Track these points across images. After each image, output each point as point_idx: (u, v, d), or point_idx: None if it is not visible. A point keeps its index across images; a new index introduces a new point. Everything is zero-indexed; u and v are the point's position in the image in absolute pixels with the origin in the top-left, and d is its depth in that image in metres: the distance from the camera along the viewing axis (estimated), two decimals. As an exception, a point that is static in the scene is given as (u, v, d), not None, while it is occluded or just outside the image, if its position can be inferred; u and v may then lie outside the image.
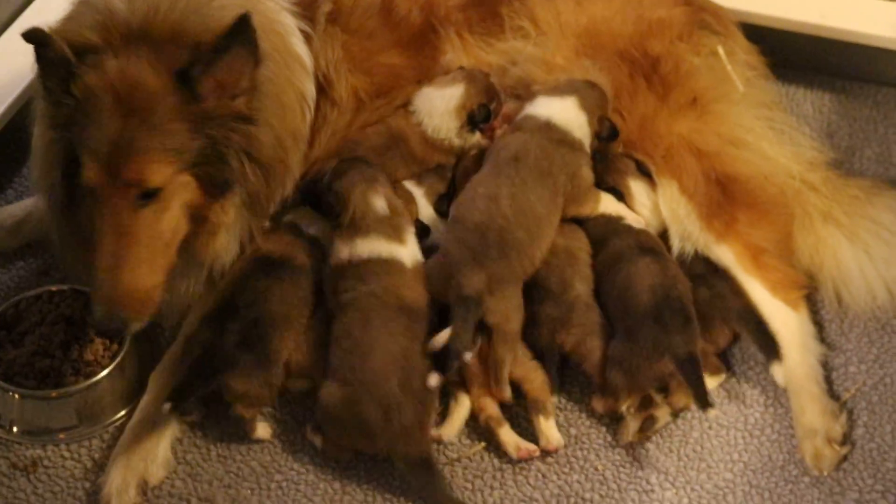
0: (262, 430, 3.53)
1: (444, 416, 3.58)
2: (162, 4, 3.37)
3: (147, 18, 3.35)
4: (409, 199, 3.83)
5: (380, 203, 3.63)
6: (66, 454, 3.54)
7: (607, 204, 3.85)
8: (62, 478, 3.49)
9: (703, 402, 3.44)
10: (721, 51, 4.06)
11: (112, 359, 3.61)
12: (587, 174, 3.80)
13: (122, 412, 3.61)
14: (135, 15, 3.35)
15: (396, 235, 3.61)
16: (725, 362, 3.72)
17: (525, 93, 4.01)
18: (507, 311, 3.52)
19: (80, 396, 3.56)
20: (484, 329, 3.51)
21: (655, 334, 3.49)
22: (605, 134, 3.87)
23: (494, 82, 3.98)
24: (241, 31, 3.26)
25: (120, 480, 3.38)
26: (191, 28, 3.34)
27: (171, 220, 3.35)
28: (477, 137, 3.94)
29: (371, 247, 3.58)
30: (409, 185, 3.88)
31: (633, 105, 3.92)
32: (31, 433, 3.57)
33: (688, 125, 3.88)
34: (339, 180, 3.68)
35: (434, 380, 3.39)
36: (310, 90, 3.75)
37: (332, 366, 3.45)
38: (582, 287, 3.66)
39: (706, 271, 3.77)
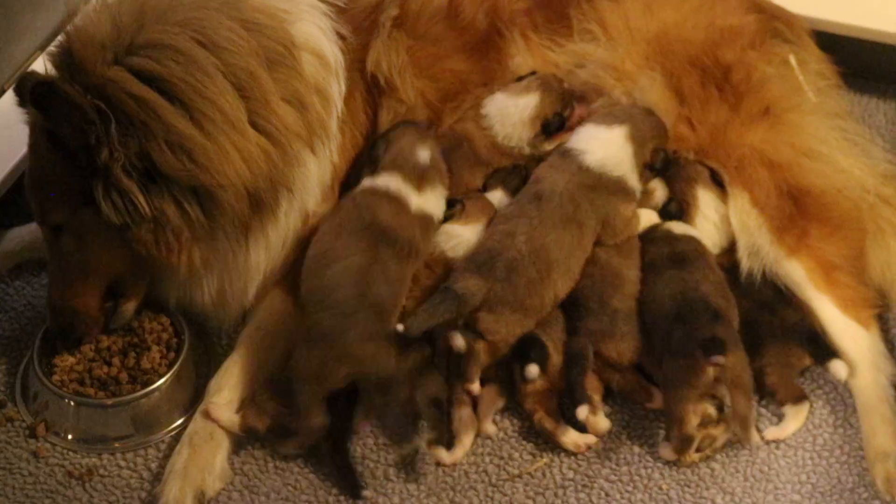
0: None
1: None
2: (96, 19, 3.37)
3: (78, 38, 3.33)
4: (486, 208, 3.80)
5: (423, 153, 3.67)
6: (122, 463, 3.51)
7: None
8: (118, 487, 3.45)
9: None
10: (793, 60, 3.99)
11: (169, 367, 3.58)
12: (626, 213, 3.73)
13: (179, 421, 3.58)
14: (76, 35, 3.34)
15: (417, 183, 3.63)
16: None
17: (592, 96, 3.97)
18: (504, 336, 3.48)
19: (137, 405, 3.53)
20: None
21: (682, 335, 3.45)
22: (659, 166, 3.80)
23: (567, 86, 3.93)
24: (39, 99, 3.21)
25: (177, 491, 3.33)
26: (94, 52, 3.30)
27: (86, 249, 3.43)
28: (548, 146, 3.90)
29: (387, 181, 3.62)
30: (496, 195, 3.84)
31: (704, 114, 3.85)
32: (86, 441, 3.54)
33: (760, 135, 3.80)
34: (393, 130, 3.75)
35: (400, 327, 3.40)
36: (334, 87, 3.67)
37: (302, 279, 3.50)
38: (621, 304, 3.61)
39: (774, 299, 3.69)
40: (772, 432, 3.56)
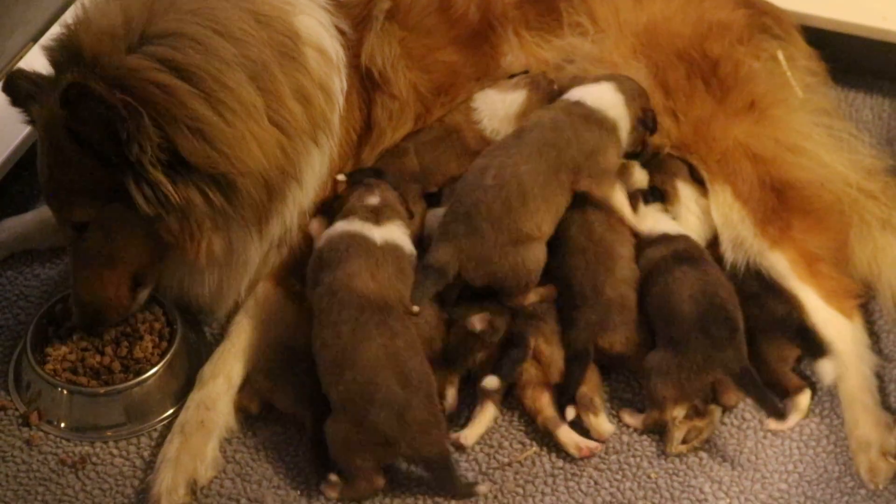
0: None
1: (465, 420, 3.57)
2: (103, 11, 3.36)
3: (85, 31, 3.32)
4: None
5: (372, 199, 3.63)
6: (115, 451, 3.53)
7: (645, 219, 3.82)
8: (111, 475, 3.47)
9: (775, 411, 3.46)
10: (781, 55, 4.03)
11: (161, 357, 3.60)
12: (611, 157, 3.75)
13: (171, 410, 3.59)
14: (82, 28, 3.34)
15: (374, 218, 3.59)
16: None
17: None
18: (517, 266, 3.56)
19: (129, 394, 3.54)
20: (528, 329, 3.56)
21: (705, 348, 3.47)
22: (650, 123, 3.82)
23: (556, 86, 3.94)
24: (72, 99, 3.17)
25: (170, 479, 3.35)
26: (113, 46, 3.29)
27: (113, 242, 3.43)
28: None
29: (346, 226, 3.57)
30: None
31: (689, 107, 3.88)
32: (79, 430, 3.56)
33: (745, 129, 3.83)
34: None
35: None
36: (336, 83, 3.69)
37: (325, 385, 3.39)
38: (614, 292, 3.61)
39: (760, 290, 3.71)
40: (774, 423, 3.56)
